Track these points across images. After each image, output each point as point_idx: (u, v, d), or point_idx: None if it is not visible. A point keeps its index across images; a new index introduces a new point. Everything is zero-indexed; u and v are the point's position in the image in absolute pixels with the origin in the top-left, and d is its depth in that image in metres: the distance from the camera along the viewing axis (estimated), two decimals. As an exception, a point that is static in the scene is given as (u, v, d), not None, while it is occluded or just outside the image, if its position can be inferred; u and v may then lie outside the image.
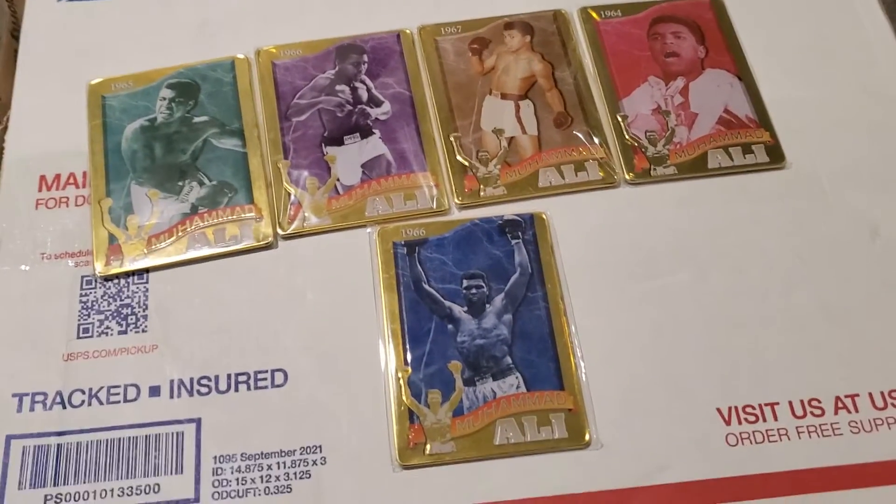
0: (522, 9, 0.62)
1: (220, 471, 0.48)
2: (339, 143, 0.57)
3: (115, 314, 0.52)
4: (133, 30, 0.62)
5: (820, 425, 0.49)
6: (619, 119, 0.57)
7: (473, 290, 0.52)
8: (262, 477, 0.48)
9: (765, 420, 0.49)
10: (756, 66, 0.60)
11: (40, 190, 0.56)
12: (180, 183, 0.55)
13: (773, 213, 0.55)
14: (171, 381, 0.50)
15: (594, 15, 0.62)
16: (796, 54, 0.61)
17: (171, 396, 0.50)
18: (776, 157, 0.57)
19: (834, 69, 0.60)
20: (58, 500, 0.47)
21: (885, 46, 0.61)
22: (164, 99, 0.58)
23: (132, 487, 0.48)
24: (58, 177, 0.56)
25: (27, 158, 0.57)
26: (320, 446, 0.48)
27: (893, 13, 0.62)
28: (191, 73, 0.59)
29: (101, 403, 0.50)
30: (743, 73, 0.60)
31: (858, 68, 0.60)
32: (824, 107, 0.59)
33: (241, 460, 0.48)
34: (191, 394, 0.50)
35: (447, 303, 0.52)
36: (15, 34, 0.63)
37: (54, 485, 0.47)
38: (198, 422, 0.49)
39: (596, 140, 0.57)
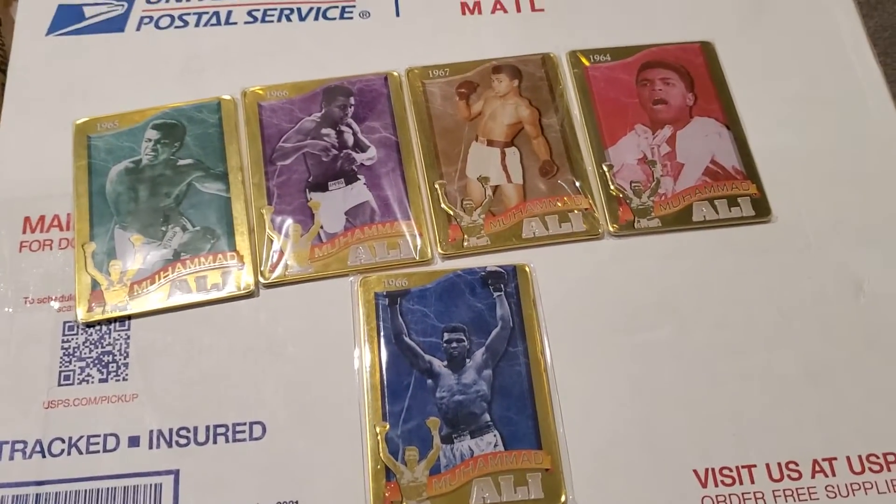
0: (511, 51, 0.62)
1: (196, 524, 0.48)
2: (324, 188, 0.57)
3: (96, 361, 0.52)
4: (120, 65, 0.62)
5: (797, 489, 0.49)
6: (605, 169, 0.57)
7: (454, 344, 0.52)
8: (238, 532, 0.48)
9: (741, 483, 0.49)
10: (745, 115, 0.60)
11: (24, 232, 0.56)
12: (163, 228, 0.55)
13: (757, 268, 0.55)
14: (151, 432, 0.50)
15: (583, 59, 0.61)
16: (787, 103, 0.61)
17: (150, 447, 0.50)
18: (762, 210, 0.56)
19: (824, 119, 0.60)
20: (35, 554, 0.47)
21: (878, 97, 0.61)
22: (150, 140, 0.58)
23: (109, 540, 0.48)
24: (42, 219, 0.56)
25: (12, 199, 0.57)
26: (297, 501, 0.49)
27: (884, 63, 0.61)
28: (176, 114, 0.59)
29: (80, 453, 0.50)
30: (731, 121, 0.59)
31: (850, 118, 0.60)
32: (813, 158, 0.59)
33: (218, 514, 0.49)
34: (169, 445, 0.50)
35: (427, 357, 0.52)
36: (3, 68, 0.63)
37: (32, 536, 0.48)
38: (176, 473, 0.49)
39: (581, 190, 0.57)
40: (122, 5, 0.64)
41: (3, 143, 0.59)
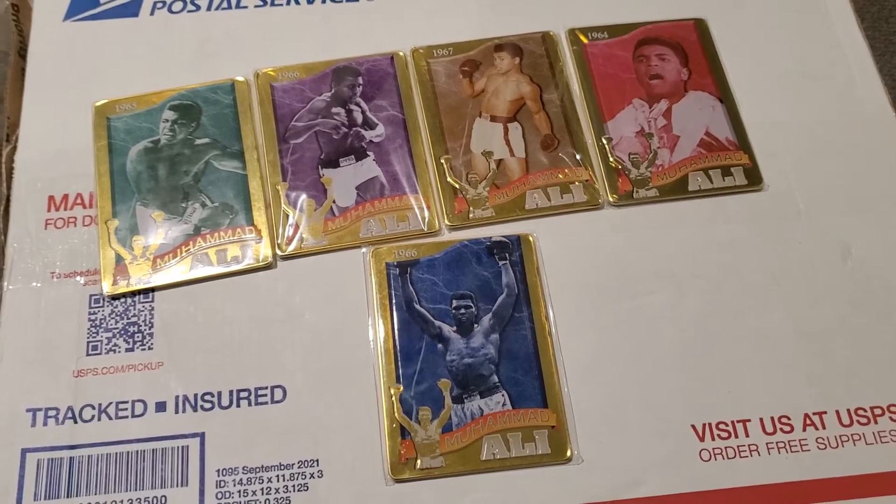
0: (512, 30, 0.64)
1: (222, 483, 0.51)
2: (335, 165, 0.59)
3: (122, 332, 0.55)
4: (135, 49, 0.64)
5: (789, 441, 0.52)
6: (604, 141, 0.60)
7: (462, 311, 0.55)
8: (262, 489, 0.51)
9: (737, 436, 0.52)
10: (737, 89, 0.62)
11: (49, 210, 0.58)
12: (183, 204, 0.58)
13: (749, 235, 0.58)
14: (177, 397, 0.53)
15: (582, 37, 0.64)
16: (777, 76, 0.63)
17: (177, 412, 0.53)
18: (754, 179, 0.59)
19: (813, 91, 0.63)
20: (71, 512, 0.50)
21: (864, 69, 0.63)
22: (167, 121, 0.60)
23: (140, 499, 0.50)
24: (66, 197, 0.59)
25: (36, 179, 0.59)
26: (317, 460, 0.51)
27: (872, 37, 0.64)
28: (192, 95, 0.61)
29: (110, 418, 0.53)
30: (724, 95, 0.62)
31: (837, 90, 0.63)
32: (802, 129, 0.61)
33: (243, 473, 0.51)
34: (195, 409, 0.53)
35: (437, 322, 0.54)
36: (22, 53, 0.65)
37: (67, 496, 0.50)
38: (202, 436, 0.52)
39: (581, 162, 0.59)
40: (136, -10, 0.66)
41: (26, 126, 0.61)
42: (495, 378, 0.53)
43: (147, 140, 0.60)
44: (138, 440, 0.52)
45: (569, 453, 0.51)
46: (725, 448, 0.52)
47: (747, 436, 0.52)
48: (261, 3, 0.66)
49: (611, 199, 0.58)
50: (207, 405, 0.53)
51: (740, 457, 0.51)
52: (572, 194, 0.58)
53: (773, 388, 0.53)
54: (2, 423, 0.52)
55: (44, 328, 0.55)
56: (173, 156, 0.59)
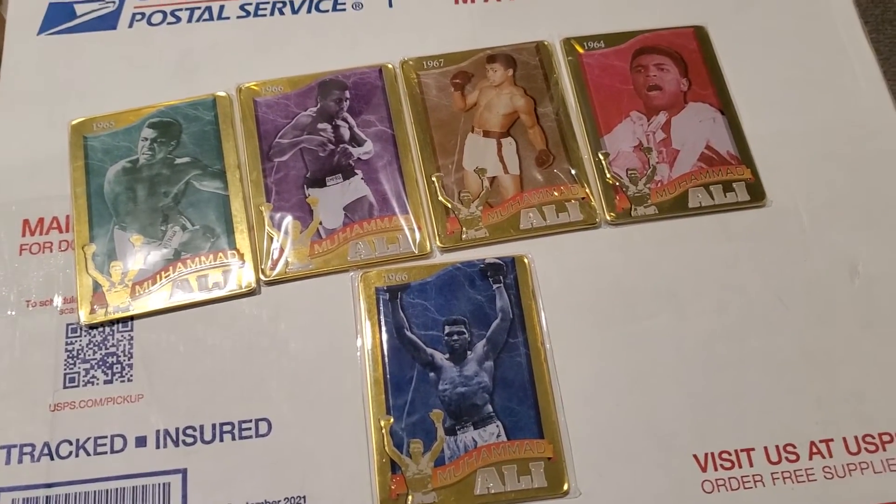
0: (505, 40, 0.62)
1: (206, 522, 0.49)
2: (322, 184, 0.57)
3: (100, 363, 0.52)
4: (113, 63, 0.62)
5: (794, 471, 0.50)
6: (601, 157, 0.57)
7: (455, 337, 0.52)
8: (247, 528, 0.49)
9: (740, 466, 0.50)
10: (739, 99, 0.60)
11: (24, 235, 0.56)
12: (163, 227, 0.55)
13: (752, 253, 0.55)
14: (157, 432, 0.51)
15: (577, 47, 0.61)
16: (780, 86, 0.61)
17: (157, 447, 0.51)
18: (757, 194, 0.57)
19: (817, 101, 0.60)
20: (47, 556, 0.48)
21: (869, 77, 0.61)
22: (146, 139, 0.58)
23: (120, 540, 0.49)
24: (41, 221, 0.57)
25: (10, 202, 0.57)
26: (304, 497, 0.49)
27: (877, 41, 0.61)
28: (172, 112, 0.59)
29: (87, 454, 0.50)
30: (725, 106, 0.60)
31: (843, 101, 0.60)
32: (807, 141, 0.59)
33: (227, 511, 0.49)
34: (176, 444, 0.51)
35: (429, 350, 0.52)
36: (-5, 68, 0.63)
37: (44, 538, 0.49)
38: (184, 472, 0.50)
39: (578, 179, 0.57)
40: (114, 2, 0.64)
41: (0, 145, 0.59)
42: (489, 408, 0.51)
43: (125, 160, 0.57)
44: (117, 477, 0.50)
45: (566, 486, 0.49)
46: (729, 479, 0.50)
47: (751, 465, 0.50)
48: (243, 15, 0.63)
49: (608, 217, 0.56)
50: (189, 440, 0.51)
51: (744, 488, 0.50)
52: (568, 213, 0.56)
53: (778, 414, 0.51)
54: (-25, 461, 0.50)
55: (19, 359, 0.53)
56: (152, 176, 0.57)
